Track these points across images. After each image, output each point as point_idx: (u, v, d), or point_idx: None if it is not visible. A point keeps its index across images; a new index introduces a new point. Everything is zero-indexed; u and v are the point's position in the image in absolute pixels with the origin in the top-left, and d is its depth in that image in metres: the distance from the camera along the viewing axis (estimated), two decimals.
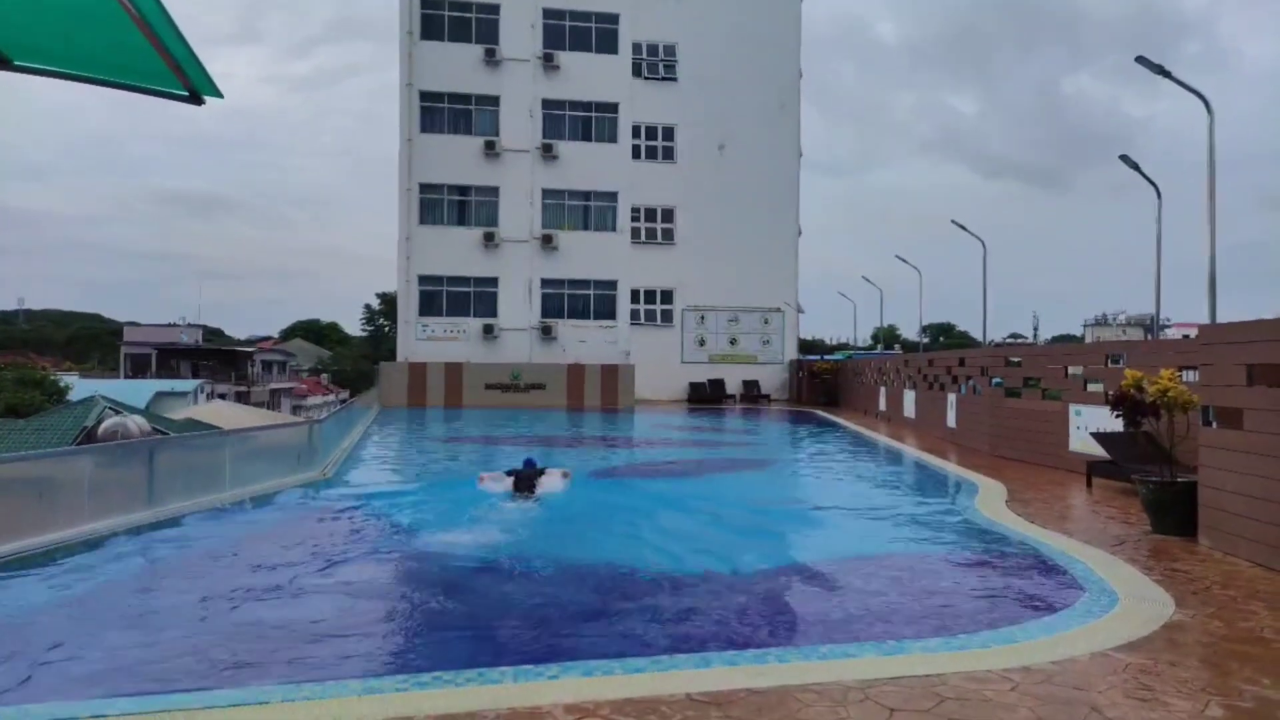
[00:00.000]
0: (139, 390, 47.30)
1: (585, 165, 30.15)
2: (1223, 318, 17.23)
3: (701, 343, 36.02)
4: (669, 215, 35.67)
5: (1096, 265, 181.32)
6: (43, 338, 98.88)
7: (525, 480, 10.47)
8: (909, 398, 21.98)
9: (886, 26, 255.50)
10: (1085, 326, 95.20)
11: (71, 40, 4.00)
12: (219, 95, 4.44)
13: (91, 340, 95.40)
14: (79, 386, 46.32)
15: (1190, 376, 9.71)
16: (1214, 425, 7.57)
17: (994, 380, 16.23)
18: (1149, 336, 47.92)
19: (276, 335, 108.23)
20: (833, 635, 5.40)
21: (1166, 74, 16.31)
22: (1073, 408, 13.06)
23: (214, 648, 4.98)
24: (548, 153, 29.78)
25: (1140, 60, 16.46)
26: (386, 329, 75.23)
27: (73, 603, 6.17)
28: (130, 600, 6.20)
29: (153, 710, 3.93)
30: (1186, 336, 16.15)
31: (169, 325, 78.46)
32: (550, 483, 10.78)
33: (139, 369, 66.91)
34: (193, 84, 4.23)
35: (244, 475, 10.21)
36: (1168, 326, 55.81)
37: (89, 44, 4.00)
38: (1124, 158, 23.43)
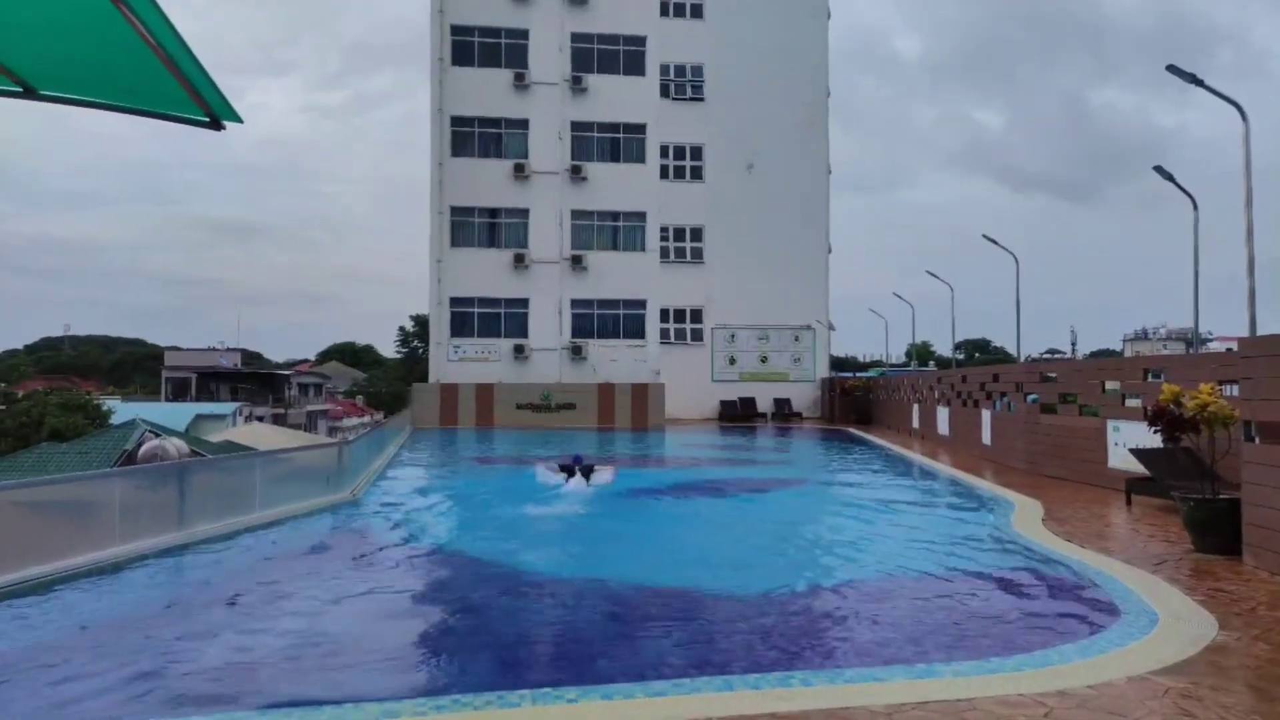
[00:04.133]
0: (179, 413, 48.15)
1: (614, 186, 30.29)
2: (1264, 332, 16.76)
3: (732, 361, 35.87)
4: (698, 234, 35.68)
5: (1134, 279, 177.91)
6: (88, 363, 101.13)
7: (579, 470, 12.84)
8: (943, 415, 21.66)
9: (906, 40, 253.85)
10: (1125, 341, 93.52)
11: (93, 69, 4.07)
12: (239, 120, 4.50)
13: (134, 365, 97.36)
14: (121, 410, 47.17)
15: (1231, 391, 9.44)
16: (1256, 440, 7.33)
17: (1029, 396, 15.93)
18: (1189, 350, 46.93)
19: (313, 358, 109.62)
20: (860, 658, 5.28)
21: (1199, 82, 15.99)
22: (1111, 424, 12.77)
23: (232, 671, 4.98)
24: (577, 174, 29.97)
25: (1171, 69, 16.15)
26: (420, 351, 75.96)
27: (95, 626, 6.22)
28: (151, 624, 6.23)
29: None
30: (1230, 350, 15.75)
31: (209, 349, 79.80)
32: (600, 476, 12.91)
33: (179, 392, 68.08)
34: (212, 109, 4.29)
35: (273, 497, 10.27)
36: (1210, 340, 54.57)
37: (110, 72, 4.07)
38: (1158, 169, 22.99)
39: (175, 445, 17.18)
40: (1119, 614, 5.95)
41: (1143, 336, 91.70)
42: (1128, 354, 74.38)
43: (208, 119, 4.42)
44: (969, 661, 5.04)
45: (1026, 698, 4.32)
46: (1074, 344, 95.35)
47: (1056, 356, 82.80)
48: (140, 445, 21.17)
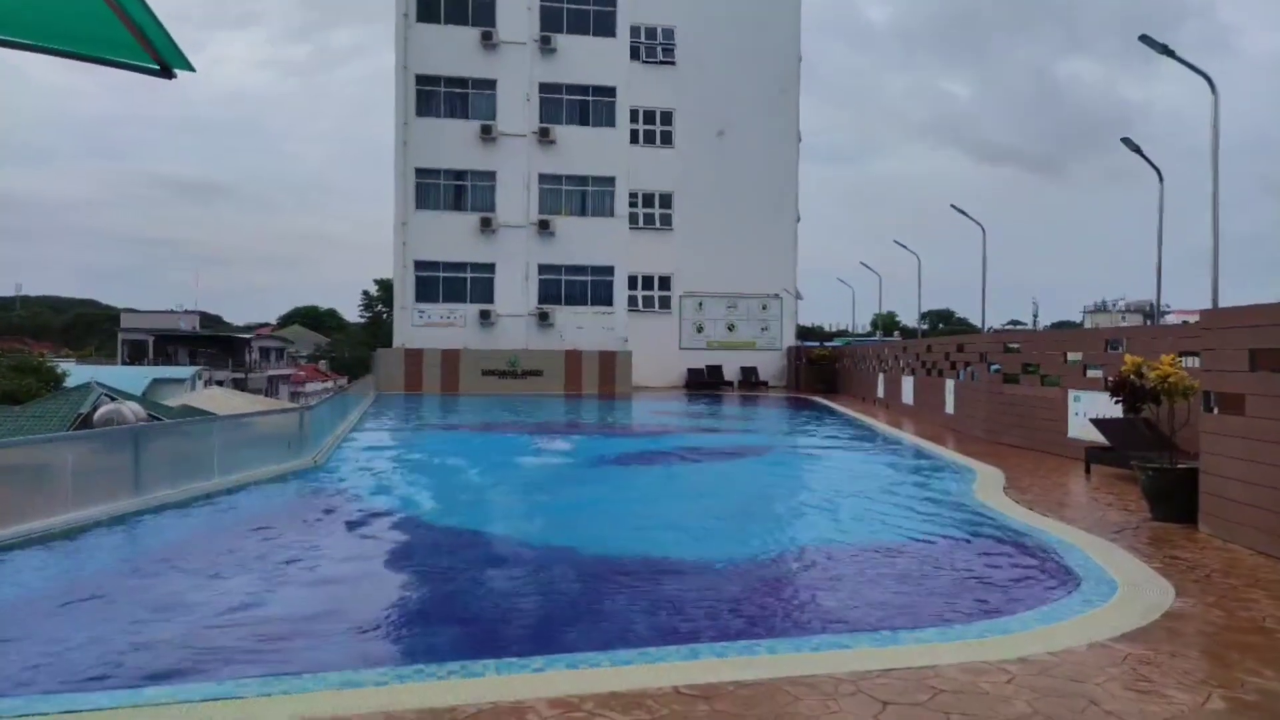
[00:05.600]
0: (136, 377, 47.11)
1: (583, 150, 29.91)
2: (1225, 304, 17.04)
3: (699, 329, 35.88)
4: (667, 201, 35.45)
5: (1096, 252, 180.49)
6: (40, 324, 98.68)
7: None
8: (907, 384, 21.86)
9: (877, 10, 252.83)
10: (1085, 313, 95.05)
11: (32, 8, 3.84)
12: (190, 68, 4.27)
13: (89, 326, 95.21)
14: (75, 373, 46.08)
15: (1191, 362, 9.58)
16: (1215, 411, 7.44)
17: (992, 366, 16.10)
18: (1148, 323, 47.81)
19: (275, 322, 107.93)
20: (825, 626, 5.30)
21: (1170, 53, 16.05)
22: (1072, 394, 12.94)
23: (190, 640, 4.87)
24: (545, 137, 29.54)
25: (1143, 39, 16.19)
26: (385, 315, 75.11)
27: (48, 594, 6.06)
28: (107, 591, 6.09)
29: (125, 705, 3.82)
30: (1185, 323, 16.00)
31: (167, 312, 78.21)
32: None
33: (136, 355, 66.67)
34: (161, 56, 4.06)
35: (233, 463, 10.07)
36: (1168, 313, 55.63)
37: (51, 12, 3.84)
38: (1126, 140, 23.18)
39: (131, 409, 16.81)
40: (1079, 582, 6.03)
41: (1102, 309, 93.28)
42: (1087, 326, 75.65)
43: (157, 66, 4.19)
44: (932, 629, 5.07)
45: (989, 665, 4.35)
46: (1035, 315, 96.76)
47: (1019, 327, 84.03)
48: (96, 409, 20.72)
